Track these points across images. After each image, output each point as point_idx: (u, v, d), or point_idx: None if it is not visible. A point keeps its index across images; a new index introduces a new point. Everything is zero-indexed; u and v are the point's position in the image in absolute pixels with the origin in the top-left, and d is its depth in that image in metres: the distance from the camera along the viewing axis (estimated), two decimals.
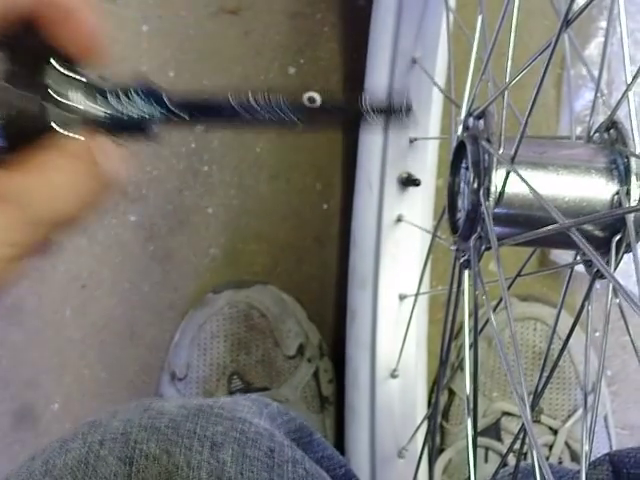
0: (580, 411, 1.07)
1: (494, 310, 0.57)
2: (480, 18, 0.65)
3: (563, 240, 0.55)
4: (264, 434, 0.64)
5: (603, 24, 1.24)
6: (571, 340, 1.06)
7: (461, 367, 1.09)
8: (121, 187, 0.44)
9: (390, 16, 1.08)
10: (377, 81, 1.08)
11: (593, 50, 1.24)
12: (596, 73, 0.60)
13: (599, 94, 0.59)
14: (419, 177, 1.07)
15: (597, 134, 0.57)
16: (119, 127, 0.43)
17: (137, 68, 1.16)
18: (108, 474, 0.57)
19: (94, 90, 0.43)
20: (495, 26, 0.59)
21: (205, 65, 1.17)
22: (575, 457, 1.05)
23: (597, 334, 1.11)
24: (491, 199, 0.53)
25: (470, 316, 0.62)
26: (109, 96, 0.43)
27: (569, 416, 1.07)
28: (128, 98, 0.43)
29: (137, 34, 1.15)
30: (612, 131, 0.56)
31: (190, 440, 0.60)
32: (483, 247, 0.56)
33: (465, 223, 0.56)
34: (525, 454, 1.00)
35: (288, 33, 1.18)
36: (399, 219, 1.08)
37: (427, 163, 1.09)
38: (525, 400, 0.49)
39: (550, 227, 0.50)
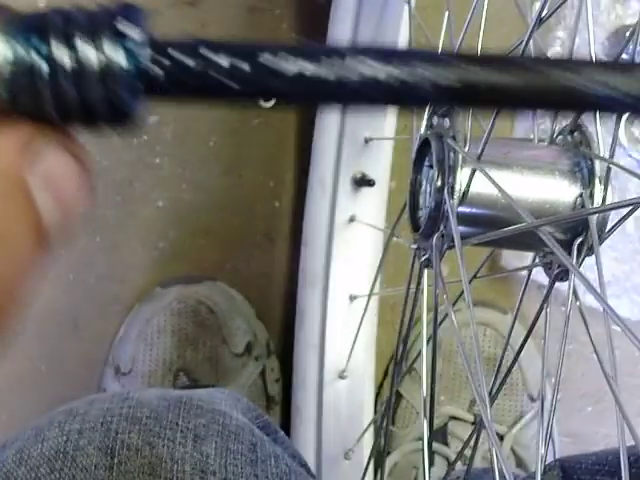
0: (526, 417, 1.07)
1: (453, 305, 0.56)
2: (447, 15, 0.65)
3: (526, 241, 0.55)
4: (245, 428, 0.63)
5: (560, 34, 1.25)
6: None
7: (409, 370, 1.09)
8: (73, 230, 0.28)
9: (349, 17, 1.07)
10: None
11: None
12: None
13: None
14: (373, 177, 1.07)
15: (561, 136, 0.57)
16: (87, 105, 0.26)
17: None
18: (88, 465, 0.55)
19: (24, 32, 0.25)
20: (463, 22, 0.59)
21: None
22: (521, 463, 1.06)
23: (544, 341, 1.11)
24: (455, 197, 0.53)
25: (429, 314, 0.61)
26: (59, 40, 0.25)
27: (515, 422, 1.07)
28: (99, 45, 0.25)
29: None
30: (576, 133, 0.56)
31: (173, 432, 0.58)
32: (445, 246, 0.55)
33: (427, 221, 0.55)
34: (472, 457, 1.00)
35: (245, 27, 1.17)
36: (352, 219, 1.07)
37: (382, 164, 1.08)
38: (485, 398, 0.48)
39: (519, 226, 0.49)
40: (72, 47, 0.25)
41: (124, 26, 0.26)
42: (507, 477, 0.48)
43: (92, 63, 0.25)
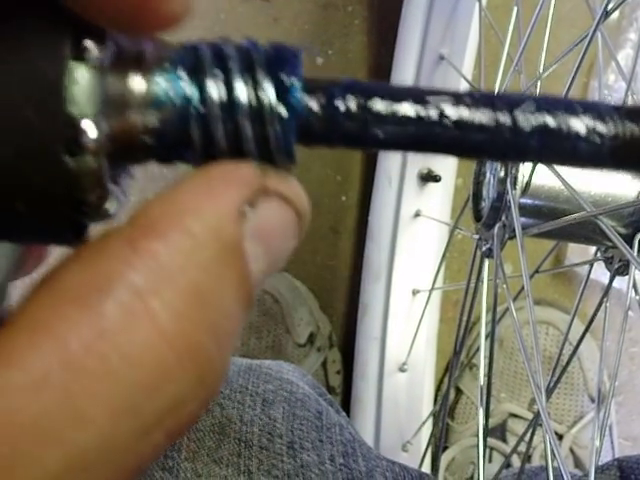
0: (587, 417, 1.07)
1: (514, 300, 0.57)
2: (515, 10, 0.65)
3: (586, 233, 0.55)
4: (311, 397, 0.65)
5: (632, 36, 1.24)
6: (582, 347, 1.07)
7: (470, 365, 1.09)
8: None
9: (420, 12, 1.08)
10: (403, 76, 1.08)
11: (620, 62, 1.24)
12: (627, 73, 0.60)
13: (629, 92, 0.59)
14: (439, 174, 1.07)
15: None
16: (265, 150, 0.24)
17: None
18: None
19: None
20: (529, 19, 0.59)
21: None
22: (579, 464, 1.05)
23: (607, 343, 1.11)
24: (518, 188, 0.53)
25: (489, 305, 0.62)
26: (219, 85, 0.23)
27: (575, 422, 1.07)
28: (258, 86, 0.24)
29: None
30: None
31: (242, 395, 0.60)
32: (506, 236, 0.56)
33: (490, 211, 0.56)
34: (530, 456, 1.00)
35: (318, 23, 1.19)
36: (417, 214, 1.08)
37: (448, 160, 1.09)
38: (542, 391, 0.49)
39: (579, 214, 0.50)
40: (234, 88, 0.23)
41: (283, 72, 0.24)
42: (562, 470, 0.49)
43: (246, 102, 0.24)
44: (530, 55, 0.58)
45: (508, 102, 0.24)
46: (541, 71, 0.56)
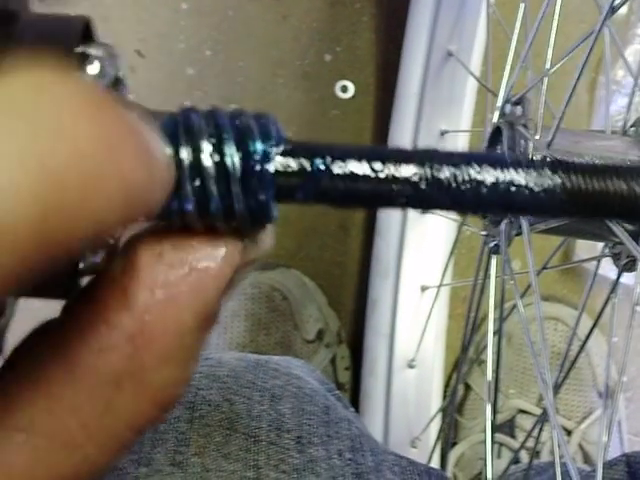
0: (596, 413, 1.07)
1: (522, 297, 0.57)
2: (523, 5, 0.66)
3: (594, 230, 0.55)
4: (319, 392, 0.65)
5: None
6: (590, 343, 1.07)
7: (479, 361, 1.09)
8: None
9: (428, 9, 1.08)
10: (411, 73, 1.09)
11: (628, 57, 1.24)
12: (635, 69, 0.60)
13: (636, 88, 0.59)
14: None
15: (633, 128, 0.57)
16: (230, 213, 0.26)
17: (174, 46, 1.17)
18: (170, 418, 0.58)
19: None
20: (537, 15, 0.59)
21: (242, 47, 1.17)
22: (588, 459, 1.05)
23: (615, 339, 1.11)
24: None
25: (497, 300, 0.62)
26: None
27: (584, 418, 1.07)
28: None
29: (176, 11, 1.16)
30: None
31: (250, 391, 0.61)
32: (513, 232, 0.56)
33: None
34: (538, 452, 1.00)
35: (326, 20, 1.19)
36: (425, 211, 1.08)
37: None
38: (549, 383, 0.49)
39: None
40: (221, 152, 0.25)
41: (264, 136, 0.26)
42: (569, 465, 0.49)
43: (236, 169, 0.25)
44: (539, 50, 0.59)
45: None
46: (548, 67, 0.56)
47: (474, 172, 0.26)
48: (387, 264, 1.09)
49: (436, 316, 1.07)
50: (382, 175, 0.26)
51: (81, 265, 0.26)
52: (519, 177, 0.26)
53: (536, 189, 0.26)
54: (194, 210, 0.25)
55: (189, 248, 0.26)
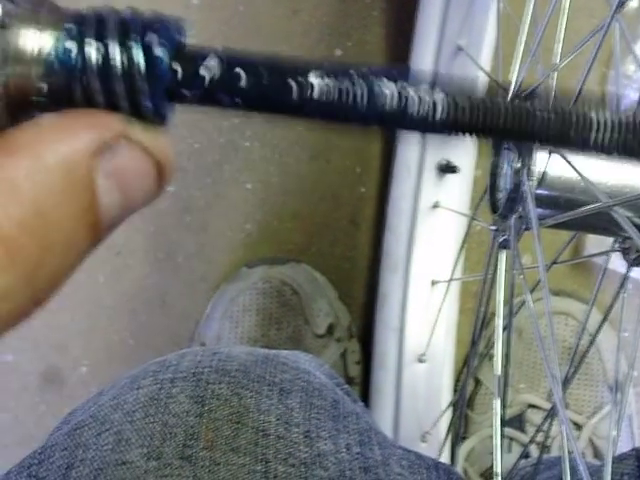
0: (606, 408, 1.07)
1: (531, 292, 0.57)
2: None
3: (603, 224, 0.55)
4: (327, 386, 0.65)
5: None
6: (601, 337, 1.07)
7: (489, 356, 1.09)
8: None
9: (438, 4, 1.08)
10: (421, 67, 1.08)
11: (639, 52, 1.23)
12: None
13: None
14: (458, 165, 1.07)
15: None
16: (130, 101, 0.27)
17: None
18: (180, 412, 0.58)
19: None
20: (546, 9, 0.59)
21: (252, 41, 1.18)
22: (598, 454, 1.05)
23: (626, 334, 1.11)
24: (533, 179, 0.53)
25: (506, 297, 0.62)
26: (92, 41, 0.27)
27: (594, 412, 1.07)
28: (127, 48, 0.27)
29: (186, 7, 1.16)
30: None
31: (260, 385, 0.61)
32: (523, 227, 0.56)
33: (506, 202, 0.56)
34: (548, 446, 1.00)
35: (337, 15, 1.19)
36: (436, 205, 1.08)
37: (467, 151, 1.09)
38: (557, 377, 0.49)
39: (593, 205, 0.50)
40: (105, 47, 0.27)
41: (154, 40, 0.27)
42: (578, 460, 0.49)
43: (118, 64, 0.27)
44: (549, 45, 0.58)
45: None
46: (557, 62, 0.56)
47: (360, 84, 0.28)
48: (397, 258, 1.09)
49: (447, 310, 1.07)
50: (267, 81, 0.28)
51: None
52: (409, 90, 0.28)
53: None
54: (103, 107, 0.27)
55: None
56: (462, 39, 1.06)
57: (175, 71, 0.28)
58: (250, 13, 1.17)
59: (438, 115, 0.28)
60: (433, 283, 1.08)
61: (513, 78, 0.65)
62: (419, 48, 1.10)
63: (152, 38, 0.27)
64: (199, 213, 1.18)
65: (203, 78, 0.28)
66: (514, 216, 0.56)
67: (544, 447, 0.83)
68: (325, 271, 1.17)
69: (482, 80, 1.04)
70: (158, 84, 0.27)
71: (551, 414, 0.67)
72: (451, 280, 1.03)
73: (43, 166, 0.25)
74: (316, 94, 0.28)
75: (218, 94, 0.28)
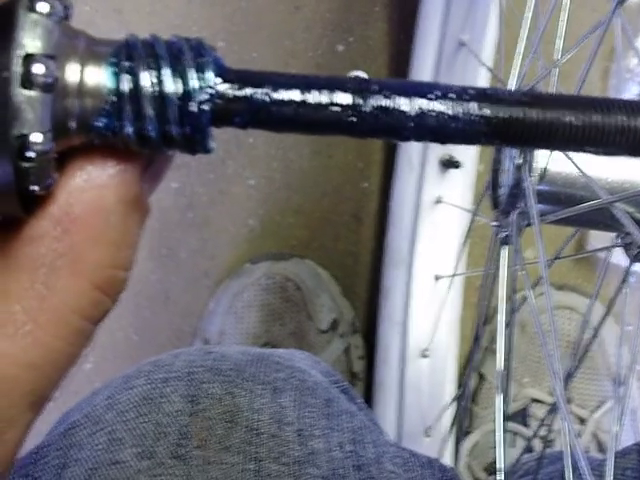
0: (609, 403, 1.07)
1: (534, 288, 0.57)
2: None
3: (604, 220, 0.55)
4: (321, 384, 0.65)
5: None
6: (604, 332, 1.07)
7: (493, 350, 1.09)
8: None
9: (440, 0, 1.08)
10: (423, 63, 1.08)
11: None
12: None
13: None
14: (460, 160, 1.07)
15: None
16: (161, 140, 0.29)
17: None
18: (172, 411, 0.58)
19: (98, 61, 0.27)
20: (549, 4, 0.59)
21: (255, 37, 1.18)
22: (602, 448, 1.05)
23: (629, 328, 1.10)
24: (535, 175, 0.53)
25: (507, 292, 0.62)
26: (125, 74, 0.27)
27: (598, 407, 1.07)
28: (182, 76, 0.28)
29: (189, 2, 1.16)
30: None
31: (253, 384, 0.61)
32: (524, 223, 0.56)
33: (507, 198, 0.56)
34: (551, 441, 1.00)
35: (339, 10, 1.19)
36: (438, 200, 1.08)
37: (470, 146, 1.08)
38: (559, 374, 0.49)
39: (594, 202, 0.50)
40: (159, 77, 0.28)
41: (203, 62, 0.28)
42: (580, 454, 0.49)
43: (174, 93, 0.28)
44: (551, 39, 0.58)
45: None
46: (559, 57, 0.56)
47: (403, 103, 0.28)
48: (400, 253, 1.10)
49: (450, 305, 1.07)
50: (315, 102, 0.28)
51: None
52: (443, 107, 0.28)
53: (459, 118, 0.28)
54: (133, 134, 0.28)
55: (108, 152, 0.29)
56: (464, 34, 1.06)
57: (222, 96, 0.28)
58: (252, 9, 1.17)
59: (483, 129, 0.29)
60: (436, 278, 1.08)
61: (514, 73, 0.65)
62: (421, 43, 1.09)
63: (205, 67, 0.28)
64: (202, 209, 1.18)
65: (252, 104, 0.28)
66: (516, 212, 0.56)
67: (547, 442, 0.83)
68: (328, 266, 1.17)
69: (485, 76, 1.04)
70: (205, 116, 0.28)
71: (554, 409, 0.67)
72: (454, 275, 1.03)
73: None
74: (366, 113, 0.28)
75: (265, 119, 0.29)
